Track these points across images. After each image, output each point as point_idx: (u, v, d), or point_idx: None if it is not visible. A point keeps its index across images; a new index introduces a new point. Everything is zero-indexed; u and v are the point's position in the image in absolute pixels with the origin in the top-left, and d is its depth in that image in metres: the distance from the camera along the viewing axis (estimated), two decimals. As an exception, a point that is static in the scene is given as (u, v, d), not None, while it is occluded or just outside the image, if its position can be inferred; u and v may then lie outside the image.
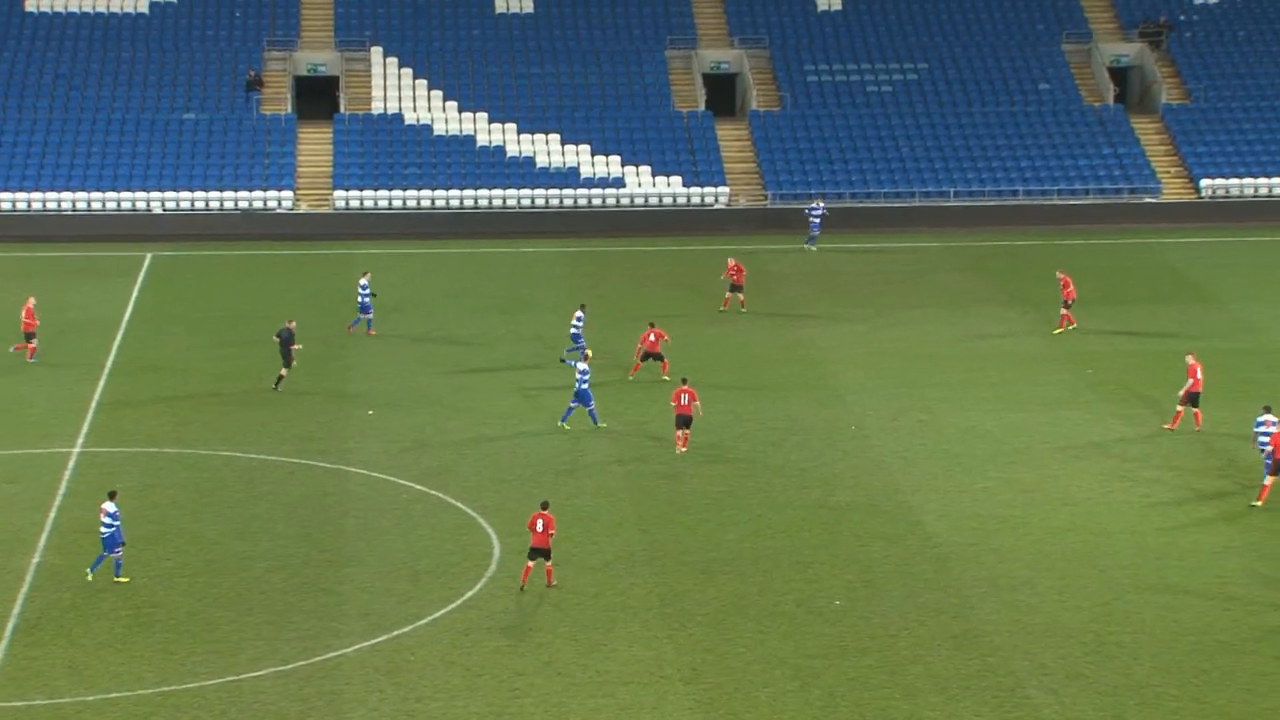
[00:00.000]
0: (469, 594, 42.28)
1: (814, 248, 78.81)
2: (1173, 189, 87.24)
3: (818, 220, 78.99)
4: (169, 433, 54.51)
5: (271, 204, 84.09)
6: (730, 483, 49.81)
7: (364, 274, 65.85)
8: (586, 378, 54.20)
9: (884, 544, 45.54)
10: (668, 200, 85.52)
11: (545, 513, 42.72)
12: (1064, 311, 65.78)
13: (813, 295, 70.91)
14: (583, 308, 62.69)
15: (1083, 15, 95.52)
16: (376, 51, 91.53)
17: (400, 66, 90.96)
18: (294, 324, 59.11)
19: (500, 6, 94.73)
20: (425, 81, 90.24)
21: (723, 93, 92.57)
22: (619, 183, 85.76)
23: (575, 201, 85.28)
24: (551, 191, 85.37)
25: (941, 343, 64.43)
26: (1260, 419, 49.90)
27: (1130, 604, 41.96)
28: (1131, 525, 46.93)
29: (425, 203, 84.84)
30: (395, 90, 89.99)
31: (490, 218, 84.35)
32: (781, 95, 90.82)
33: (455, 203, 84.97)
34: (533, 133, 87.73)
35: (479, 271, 74.40)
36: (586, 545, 45.28)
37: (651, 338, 59.46)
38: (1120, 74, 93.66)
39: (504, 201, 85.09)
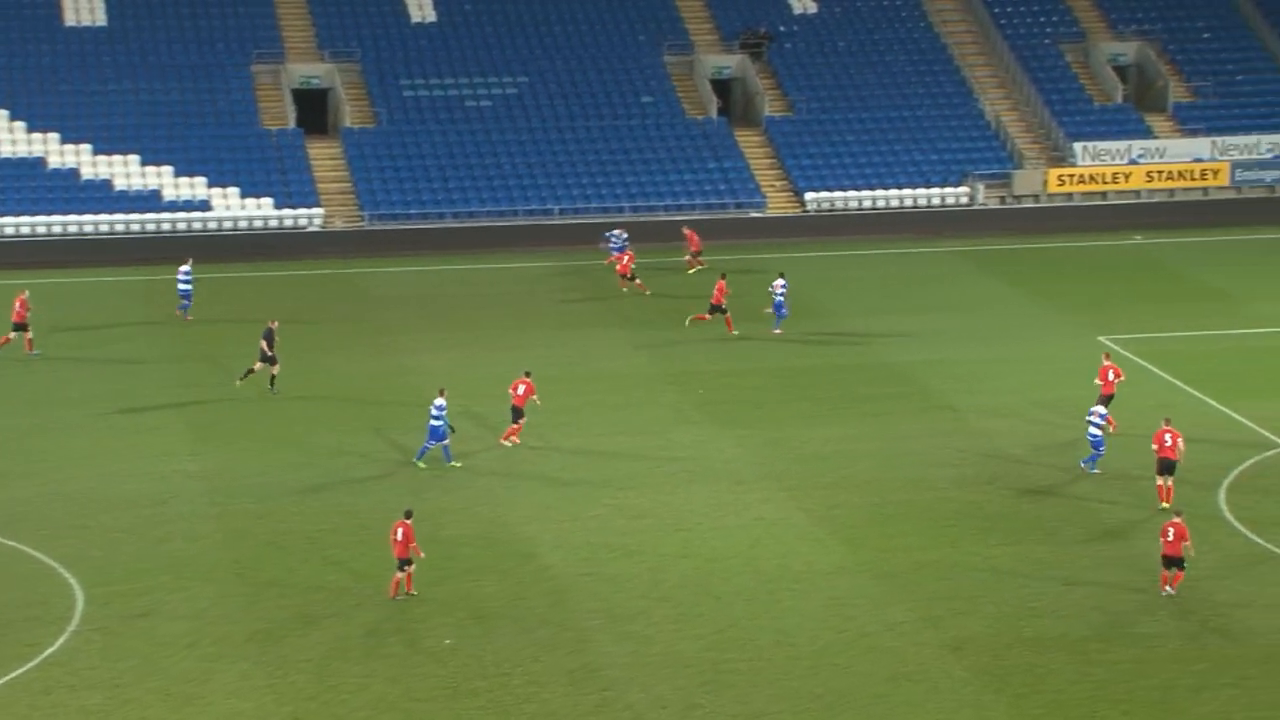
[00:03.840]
0: (50, 650, 40.49)
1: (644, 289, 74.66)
2: (778, 203, 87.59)
3: (619, 244, 76.66)
4: None
5: None
6: (332, 520, 48.25)
7: (186, 261, 69.96)
8: (442, 412, 52.20)
9: (496, 577, 44.71)
10: (259, 223, 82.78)
11: (405, 522, 43.28)
12: (689, 258, 76.50)
13: (413, 320, 69.34)
14: (782, 274, 68.64)
15: (683, 27, 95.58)
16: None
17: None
18: (276, 324, 60.16)
19: (70, 19, 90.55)
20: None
21: (313, 109, 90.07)
22: (205, 205, 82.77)
23: (158, 226, 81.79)
24: (132, 216, 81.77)
25: (548, 366, 63.17)
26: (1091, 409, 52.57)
27: (745, 630, 41.83)
28: (744, 549, 46.71)
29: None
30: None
31: (65, 245, 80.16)
32: (376, 111, 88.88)
33: (26, 230, 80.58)
34: (110, 154, 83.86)
35: (54, 304, 70.60)
36: (178, 592, 43.54)
37: (625, 271, 72.72)
38: (723, 86, 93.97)
39: (80, 228, 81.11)
